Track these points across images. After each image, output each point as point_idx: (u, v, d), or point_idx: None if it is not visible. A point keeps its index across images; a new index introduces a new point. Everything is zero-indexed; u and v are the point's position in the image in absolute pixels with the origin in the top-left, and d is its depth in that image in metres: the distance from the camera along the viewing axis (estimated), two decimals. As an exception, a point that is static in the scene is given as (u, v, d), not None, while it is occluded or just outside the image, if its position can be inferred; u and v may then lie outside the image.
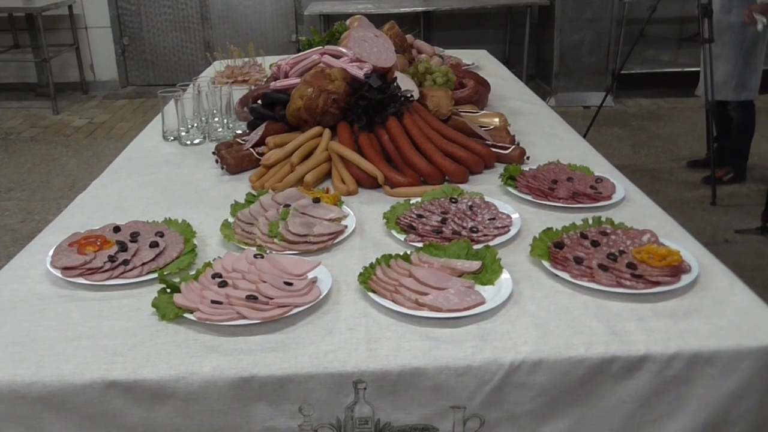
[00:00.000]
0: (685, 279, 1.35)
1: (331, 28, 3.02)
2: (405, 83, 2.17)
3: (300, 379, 1.15)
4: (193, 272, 1.41)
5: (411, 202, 1.72)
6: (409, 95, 2.04)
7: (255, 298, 1.28)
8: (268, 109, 2.21)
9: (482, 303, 1.29)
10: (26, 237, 3.81)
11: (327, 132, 2.03)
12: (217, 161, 2.07)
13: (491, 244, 1.52)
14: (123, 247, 1.49)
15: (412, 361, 1.17)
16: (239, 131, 2.32)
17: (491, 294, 1.34)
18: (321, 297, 1.32)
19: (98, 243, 1.51)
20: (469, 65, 3.25)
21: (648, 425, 1.22)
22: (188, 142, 2.31)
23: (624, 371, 1.19)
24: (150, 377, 1.14)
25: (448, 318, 1.26)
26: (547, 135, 2.32)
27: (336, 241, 1.57)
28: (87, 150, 5.62)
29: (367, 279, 1.36)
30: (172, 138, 2.36)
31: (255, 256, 1.43)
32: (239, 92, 2.62)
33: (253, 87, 2.83)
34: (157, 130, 2.43)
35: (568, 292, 1.36)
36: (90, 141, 5.87)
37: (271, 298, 1.28)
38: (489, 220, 1.62)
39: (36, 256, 1.54)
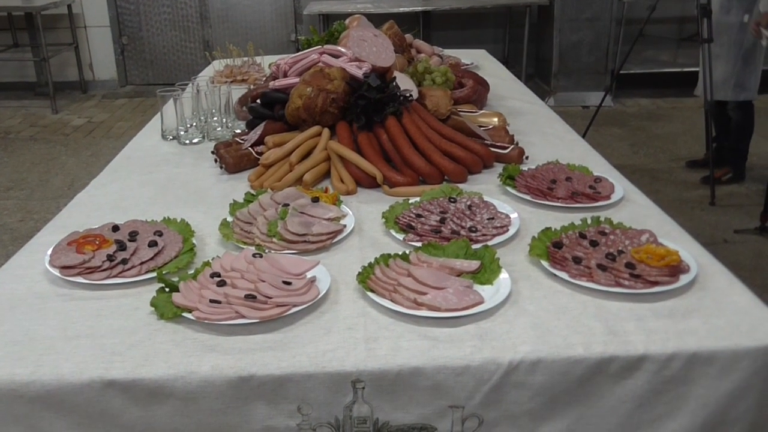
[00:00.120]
0: (684, 279, 1.35)
1: (330, 27, 3.02)
2: (404, 83, 2.17)
3: (298, 378, 1.15)
4: (191, 271, 1.41)
5: (410, 201, 1.72)
6: (408, 95, 2.04)
7: (254, 297, 1.28)
8: (267, 109, 2.21)
9: (481, 303, 1.29)
10: (25, 236, 3.80)
11: (326, 131, 2.03)
12: (216, 160, 2.07)
13: (490, 243, 1.52)
14: (122, 247, 1.49)
15: (411, 361, 1.17)
16: (238, 130, 2.32)
17: (490, 294, 1.34)
18: (320, 296, 1.32)
19: (97, 242, 1.51)
20: (468, 65, 3.25)
21: (646, 425, 1.22)
22: (187, 142, 2.31)
23: (622, 371, 1.19)
24: (148, 376, 1.14)
25: (447, 317, 1.26)
26: (546, 135, 2.32)
27: (335, 240, 1.57)
28: (86, 149, 5.62)
29: (365, 278, 1.36)
30: (171, 137, 2.36)
31: (254, 255, 1.43)
32: (238, 91, 2.62)
33: (252, 86, 2.83)
34: (156, 130, 2.43)
35: (566, 291, 1.36)
36: (89, 140, 5.87)
37: (270, 298, 1.28)
38: (488, 219, 1.62)
39: (35, 255, 1.54)
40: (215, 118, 2.35)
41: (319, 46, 2.33)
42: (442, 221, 1.60)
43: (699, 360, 1.19)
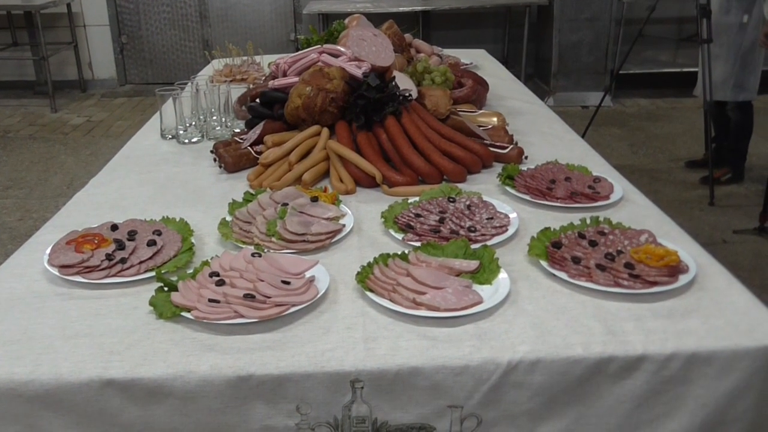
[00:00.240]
0: (683, 279, 1.35)
1: (329, 27, 3.02)
2: (403, 82, 2.17)
3: (297, 378, 1.15)
4: (190, 271, 1.41)
5: (409, 201, 1.72)
6: (407, 94, 2.04)
7: (252, 296, 1.28)
8: (267, 108, 2.21)
9: (480, 302, 1.29)
10: (24, 235, 3.81)
11: (325, 131, 2.03)
12: (215, 160, 2.07)
13: (489, 243, 1.52)
14: (120, 246, 1.49)
15: (410, 361, 1.17)
16: (237, 130, 2.32)
17: (489, 293, 1.34)
18: (318, 296, 1.32)
19: (96, 241, 1.51)
20: (467, 65, 3.25)
21: (645, 425, 1.22)
22: (186, 141, 2.31)
23: (621, 371, 1.19)
24: (147, 376, 1.14)
25: (446, 317, 1.26)
26: (545, 135, 2.32)
27: (334, 240, 1.57)
28: (85, 148, 5.62)
29: (364, 278, 1.36)
30: (170, 136, 2.36)
31: (253, 254, 1.43)
32: (237, 91, 2.62)
33: (251, 86, 2.83)
34: (155, 129, 2.43)
35: (565, 291, 1.36)
36: (88, 139, 5.86)
37: (269, 297, 1.28)
38: (487, 219, 1.62)
39: (33, 254, 1.54)
40: (214, 118, 2.35)
41: (319, 46, 2.33)
42: (441, 221, 1.60)
43: (698, 360, 1.19)
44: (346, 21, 2.90)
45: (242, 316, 1.24)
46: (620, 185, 1.82)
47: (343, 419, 1.18)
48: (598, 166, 1.98)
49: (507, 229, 1.59)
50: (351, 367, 1.16)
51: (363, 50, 2.17)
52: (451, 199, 1.70)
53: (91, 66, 7.42)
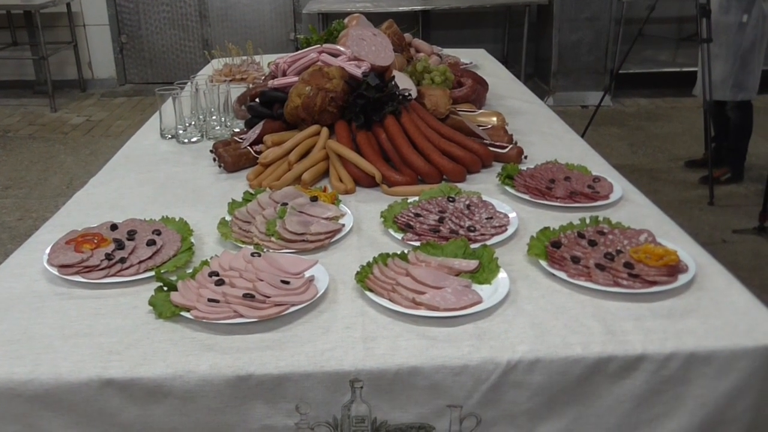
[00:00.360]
0: (682, 279, 1.35)
1: (329, 26, 3.02)
2: (403, 82, 2.17)
3: (297, 377, 1.15)
4: (190, 270, 1.41)
5: (408, 201, 1.72)
6: (407, 94, 2.04)
7: (252, 296, 1.28)
8: (266, 108, 2.21)
9: (479, 302, 1.29)
10: (23, 235, 3.81)
11: (325, 130, 2.03)
12: (214, 159, 2.06)
13: (488, 243, 1.52)
14: (120, 245, 1.49)
15: (409, 360, 1.17)
16: (237, 129, 2.32)
17: (488, 293, 1.34)
18: (318, 295, 1.32)
19: (95, 241, 1.51)
20: (467, 64, 3.25)
21: (645, 425, 1.22)
22: (186, 140, 2.31)
23: (621, 371, 1.19)
24: (147, 375, 1.14)
25: (445, 317, 1.26)
26: (545, 134, 2.32)
27: (333, 239, 1.57)
28: (85, 148, 5.61)
29: (364, 278, 1.36)
30: (169, 136, 2.36)
31: (252, 254, 1.43)
32: (237, 90, 2.62)
33: (251, 85, 2.83)
34: (154, 128, 2.43)
35: (565, 291, 1.36)
36: (88, 139, 5.86)
37: (268, 297, 1.28)
38: (486, 219, 1.62)
39: (33, 253, 1.54)
40: (214, 117, 2.35)
41: (318, 45, 2.33)
42: (441, 221, 1.60)
43: (697, 360, 1.19)
44: (346, 20, 2.90)
45: (242, 316, 1.25)
46: (620, 185, 1.82)
47: (343, 419, 1.19)
48: (598, 165, 1.98)
49: (506, 229, 1.59)
50: (350, 367, 1.16)
51: (362, 50, 2.17)
52: (451, 199, 1.70)
53: (90, 65, 7.42)
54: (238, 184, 1.93)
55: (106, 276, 1.41)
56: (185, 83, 2.44)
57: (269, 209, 1.64)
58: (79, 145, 5.69)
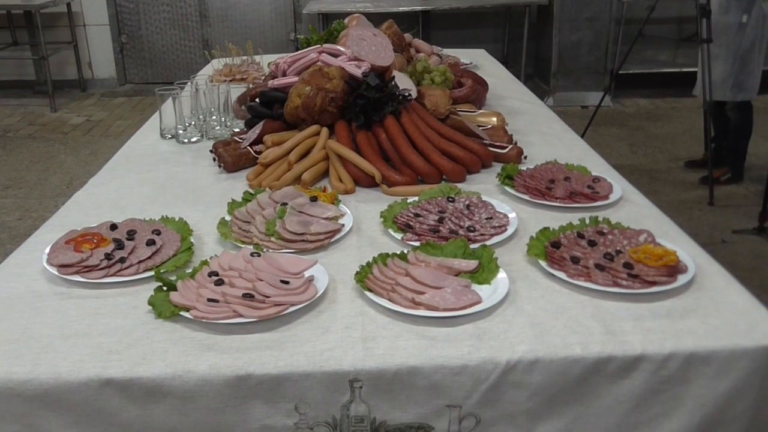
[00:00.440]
0: (682, 279, 1.35)
1: (329, 26, 3.02)
2: (403, 82, 2.17)
3: (296, 377, 1.15)
4: (189, 270, 1.41)
5: (408, 201, 1.72)
6: (407, 94, 2.04)
7: (251, 296, 1.28)
8: (266, 108, 2.21)
9: (479, 302, 1.29)
10: (23, 234, 3.80)
11: (325, 130, 2.03)
12: (214, 159, 2.07)
13: (488, 243, 1.52)
14: (120, 245, 1.49)
15: (409, 360, 1.17)
16: (237, 129, 2.32)
17: (488, 293, 1.34)
18: (317, 295, 1.32)
19: (95, 241, 1.51)
20: (467, 64, 3.25)
21: (644, 425, 1.22)
22: (186, 140, 2.31)
23: (620, 371, 1.19)
24: (146, 375, 1.14)
25: (445, 317, 1.26)
26: (544, 134, 2.32)
27: (333, 239, 1.57)
28: (84, 148, 5.62)
29: (363, 278, 1.36)
30: (169, 136, 2.36)
31: (252, 254, 1.43)
32: (237, 90, 2.62)
33: (251, 85, 2.83)
34: (154, 128, 2.43)
35: (564, 291, 1.36)
36: (88, 139, 5.86)
37: (268, 297, 1.28)
38: (486, 219, 1.62)
39: (33, 253, 1.54)
40: (214, 117, 2.35)
41: (318, 45, 2.33)
42: (441, 221, 1.60)
43: (696, 360, 1.19)
44: (346, 21, 2.90)
45: (241, 316, 1.25)
46: (619, 185, 1.82)
47: (342, 419, 1.19)
48: (598, 166, 1.98)
49: (506, 229, 1.59)
50: (350, 367, 1.16)
51: (363, 50, 2.17)
52: (451, 199, 1.70)
53: (90, 65, 7.42)
54: (237, 184, 1.93)
55: (105, 276, 1.41)
56: (185, 83, 2.44)
57: (269, 209, 1.64)
58: (79, 145, 5.69)
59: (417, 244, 1.51)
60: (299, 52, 2.36)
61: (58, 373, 1.15)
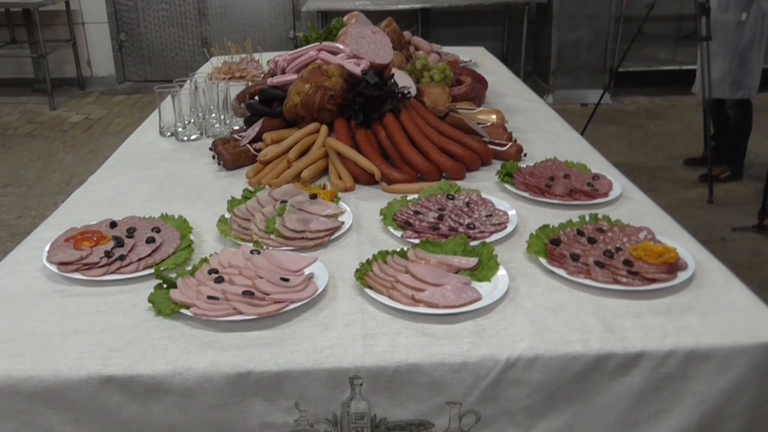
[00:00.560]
0: (682, 276, 1.35)
1: (328, 24, 3.01)
2: (402, 80, 2.17)
3: (296, 374, 1.15)
4: (189, 268, 1.41)
5: (408, 198, 1.72)
6: (406, 92, 2.04)
7: (251, 293, 1.28)
8: (265, 106, 2.21)
9: (478, 299, 1.30)
10: (23, 232, 3.80)
11: (324, 128, 2.03)
12: (213, 157, 2.06)
13: (488, 240, 1.52)
14: (119, 243, 1.49)
15: (409, 357, 1.17)
16: (236, 127, 2.32)
17: (487, 290, 1.34)
18: (317, 293, 1.32)
19: (94, 238, 1.51)
20: (466, 62, 3.25)
21: (644, 421, 1.22)
22: (185, 138, 2.31)
23: (620, 368, 1.19)
24: (146, 372, 1.14)
25: (445, 314, 1.26)
26: (544, 132, 2.32)
27: (333, 237, 1.57)
28: (84, 146, 5.61)
29: (363, 275, 1.36)
30: (169, 134, 2.36)
31: (251, 252, 1.43)
32: (236, 88, 2.62)
33: (250, 83, 2.83)
34: (154, 126, 2.43)
35: (564, 288, 1.36)
36: (87, 137, 5.86)
37: (268, 294, 1.28)
38: (486, 216, 1.62)
39: (32, 251, 1.54)
40: (213, 115, 2.35)
41: (318, 43, 2.33)
42: (440, 218, 1.60)
43: (696, 357, 1.19)
44: (345, 18, 2.90)
45: (241, 313, 1.25)
46: (619, 182, 1.82)
47: (342, 416, 1.19)
48: (597, 163, 1.98)
49: (506, 227, 1.59)
50: (350, 364, 1.16)
51: (362, 48, 2.17)
52: (450, 197, 1.70)
53: (89, 63, 7.41)
54: (237, 182, 1.93)
55: (105, 273, 1.41)
56: (184, 81, 2.44)
57: (269, 207, 1.64)
58: (78, 143, 5.69)
59: (417, 241, 1.51)
60: (298, 49, 2.36)
61: (59, 370, 1.15)
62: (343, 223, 1.62)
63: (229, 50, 3.26)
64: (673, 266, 1.36)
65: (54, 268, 1.42)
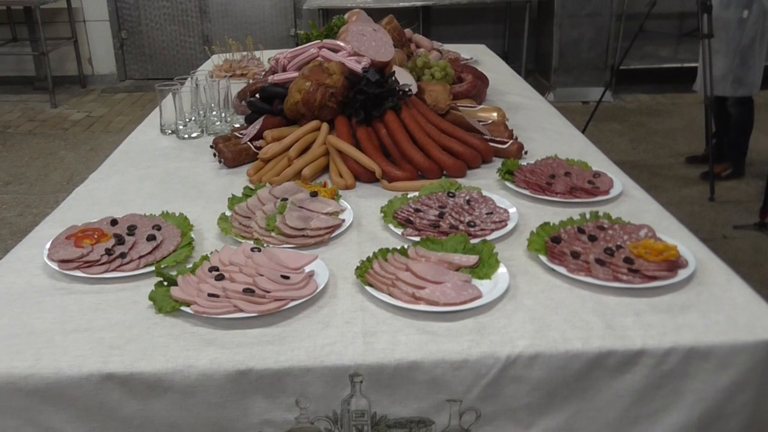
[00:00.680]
0: (682, 274, 1.35)
1: (329, 22, 3.01)
2: (403, 77, 2.17)
3: (297, 372, 1.16)
4: (190, 265, 1.41)
5: (408, 196, 1.72)
6: (407, 89, 2.04)
7: (252, 291, 1.28)
8: (266, 103, 2.21)
9: (479, 297, 1.30)
10: (24, 230, 3.80)
11: (325, 126, 2.03)
12: (214, 155, 2.07)
13: (488, 238, 1.52)
14: (120, 240, 1.49)
15: (409, 355, 1.17)
16: (237, 125, 2.32)
17: (488, 288, 1.34)
18: (318, 290, 1.32)
19: (95, 236, 1.51)
20: (467, 60, 3.25)
21: (644, 419, 1.22)
22: (186, 136, 2.31)
23: (620, 365, 1.19)
24: (147, 370, 1.15)
25: (445, 312, 1.26)
26: (545, 130, 2.32)
27: (333, 234, 1.57)
28: (85, 143, 5.61)
29: (364, 273, 1.36)
30: (169, 131, 2.36)
31: (252, 249, 1.43)
32: (237, 86, 2.62)
33: (251, 81, 2.83)
34: (154, 124, 2.43)
35: (564, 286, 1.36)
36: (88, 134, 5.86)
37: (268, 292, 1.28)
38: (486, 214, 1.62)
39: (33, 249, 1.54)
40: (214, 113, 2.35)
41: (318, 41, 2.33)
42: (441, 216, 1.60)
43: (697, 355, 1.19)
44: (346, 16, 2.89)
45: (242, 311, 1.25)
46: (620, 180, 1.82)
47: (343, 413, 1.19)
48: (598, 161, 1.98)
49: (506, 224, 1.59)
50: (350, 362, 1.16)
51: (363, 45, 2.17)
52: (451, 194, 1.70)
53: (91, 61, 7.42)
54: (238, 180, 1.93)
55: (106, 271, 1.41)
56: (185, 79, 2.44)
57: (269, 204, 1.64)
58: (79, 141, 5.69)
59: (417, 239, 1.51)
60: (299, 47, 2.36)
61: (59, 368, 1.15)
62: (343, 220, 1.62)
63: (230, 48, 3.27)
64: (674, 264, 1.36)
65: (55, 266, 1.43)
